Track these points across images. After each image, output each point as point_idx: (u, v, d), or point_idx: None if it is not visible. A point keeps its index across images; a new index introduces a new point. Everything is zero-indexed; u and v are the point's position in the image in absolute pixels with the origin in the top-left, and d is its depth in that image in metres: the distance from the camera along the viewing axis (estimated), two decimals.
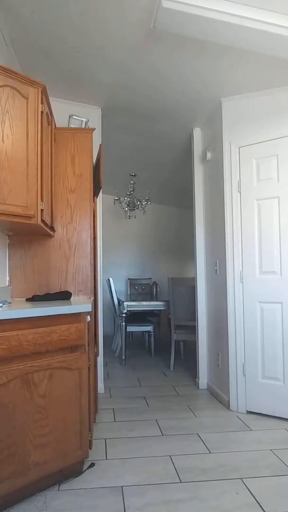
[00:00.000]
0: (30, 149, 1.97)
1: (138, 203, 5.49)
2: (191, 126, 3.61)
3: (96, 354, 2.84)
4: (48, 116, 2.25)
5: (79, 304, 1.88)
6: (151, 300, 4.66)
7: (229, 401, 2.92)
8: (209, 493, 1.77)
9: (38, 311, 1.69)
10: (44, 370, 1.70)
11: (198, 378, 3.53)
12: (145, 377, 3.83)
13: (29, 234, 2.46)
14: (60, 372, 1.76)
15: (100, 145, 3.02)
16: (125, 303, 4.39)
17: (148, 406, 2.98)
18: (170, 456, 2.13)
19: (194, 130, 3.63)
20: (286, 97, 2.77)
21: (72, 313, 1.82)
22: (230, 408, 2.90)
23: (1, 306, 1.78)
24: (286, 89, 2.76)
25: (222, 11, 1.96)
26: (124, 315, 4.43)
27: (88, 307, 1.88)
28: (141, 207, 5.50)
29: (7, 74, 1.87)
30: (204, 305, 3.53)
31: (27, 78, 1.96)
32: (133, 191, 5.45)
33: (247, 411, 2.84)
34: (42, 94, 2.04)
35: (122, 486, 1.82)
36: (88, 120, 2.87)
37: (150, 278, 6.41)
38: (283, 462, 2.06)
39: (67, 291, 2.41)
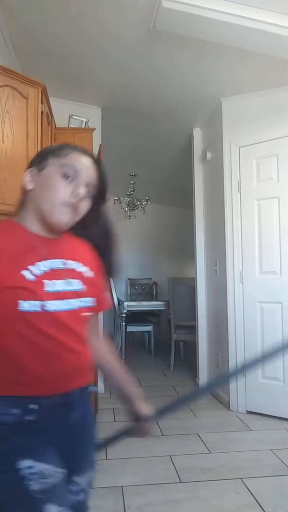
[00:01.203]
0: (30, 149, 1.97)
1: (138, 203, 5.49)
2: (191, 126, 3.61)
3: None
4: (48, 116, 2.24)
5: None
6: (151, 300, 4.66)
7: (229, 401, 2.92)
8: (209, 493, 1.77)
9: None
10: None
11: (198, 378, 3.53)
12: (145, 377, 3.83)
13: None
14: None
15: (100, 145, 3.02)
16: (125, 303, 4.39)
17: None
18: (170, 456, 2.13)
19: (194, 130, 3.63)
20: (286, 97, 2.77)
21: None
22: (230, 408, 2.90)
23: None
24: (286, 89, 2.76)
25: (222, 11, 1.96)
26: (124, 315, 4.43)
27: None
28: (141, 207, 5.50)
29: (7, 74, 1.87)
30: (204, 305, 3.53)
31: (27, 78, 1.96)
32: (133, 191, 5.45)
33: (247, 411, 2.84)
34: (42, 94, 2.04)
35: (122, 486, 1.82)
36: (88, 120, 2.87)
37: (150, 278, 6.41)
38: (283, 462, 2.06)
39: None
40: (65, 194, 0.81)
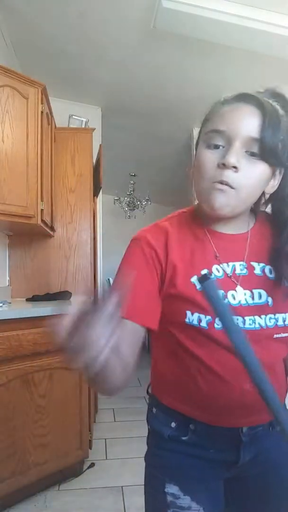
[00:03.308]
0: (30, 149, 1.97)
1: (138, 203, 5.48)
2: (191, 126, 3.61)
3: None
4: (48, 116, 2.25)
5: None
6: None
7: None
8: None
9: (38, 311, 1.69)
10: (44, 370, 1.70)
11: None
12: (145, 377, 3.81)
13: (29, 234, 2.46)
14: (60, 372, 1.76)
15: (100, 145, 3.02)
16: None
17: None
18: None
19: (194, 130, 3.63)
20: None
21: None
22: None
23: (1, 306, 1.79)
24: (286, 89, 2.76)
25: (222, 11, 1.96)
26: None
27: None
28: (141, 207, 5.49)
29: (7, 74, 1.87)
30: None
31: (27, 78, 1.96)
32: (133, 191, 5.44)
33: None
34: (42, 94, 2.04)
35: (122, 486, 1.82)
36: (88, 120, 2.87)
37: None
38: None
39: (67, 291, 2.41)
40: (208, 169, 0.60)
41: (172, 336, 0.65)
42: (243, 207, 0.62)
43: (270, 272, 0.65)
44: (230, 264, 0.65)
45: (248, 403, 0.62)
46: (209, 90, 2.89)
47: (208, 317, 0.60)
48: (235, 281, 0.63)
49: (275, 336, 0.63)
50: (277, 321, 0.63)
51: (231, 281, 0.63)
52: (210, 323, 0.60)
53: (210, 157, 0.60)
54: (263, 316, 0.62)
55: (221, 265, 0.64)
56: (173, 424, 0.68)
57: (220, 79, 2.73)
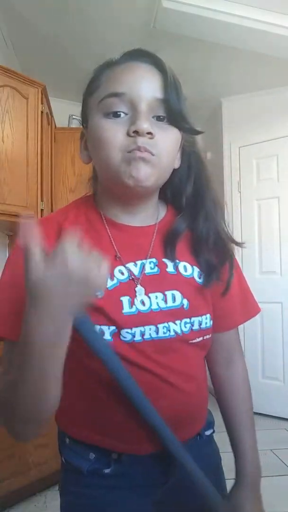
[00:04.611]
0: (30, 149, 1.97)
1: None
2: None
3: None
4: (48, 116, 2.25)
5: None
6: None
7: None
8: None
9: None
10: None
11: None
12: None
13: None
14: None
15: None
16: None
17: None
18: None
19: None
20: (286, 97, 2.77)
21: None
22: None
23: None
24: (286, 89, 2.76)
25: (222, 11, 1.96)
26: None
27: None
28: None
29: (7, 74, 1.87)
30: None
31: (27, 78, 1.96)
32: None
33: None
34: (42, 94, 2.04)
35: None
36: None
37: None
38: (283, 462, 2.06)
39: None
40: (117, 138, 0.50)
41: (71, 352, 0.53)
42: (164, 178, 0.56)
43: (185, 270, 0.57)
44: (138, 262, 0.55)
45: (174, 420, 0.54)
46: (209, 90, 2.89)
47: (112, 328, 0.51)
48: (144, 283, 0.54)
49: (190, 342, 0.57)
50: (192, 325, 0.56)
51: (138, 283, 0.54)
52: (115, 334, 0.51)
53: (114, 127, 0.51)
54: (178, 322, 0.55)
55: (126, 265, 0.55)
56: (91, 455, 0.57)
57: (220, 79, 2.73)
